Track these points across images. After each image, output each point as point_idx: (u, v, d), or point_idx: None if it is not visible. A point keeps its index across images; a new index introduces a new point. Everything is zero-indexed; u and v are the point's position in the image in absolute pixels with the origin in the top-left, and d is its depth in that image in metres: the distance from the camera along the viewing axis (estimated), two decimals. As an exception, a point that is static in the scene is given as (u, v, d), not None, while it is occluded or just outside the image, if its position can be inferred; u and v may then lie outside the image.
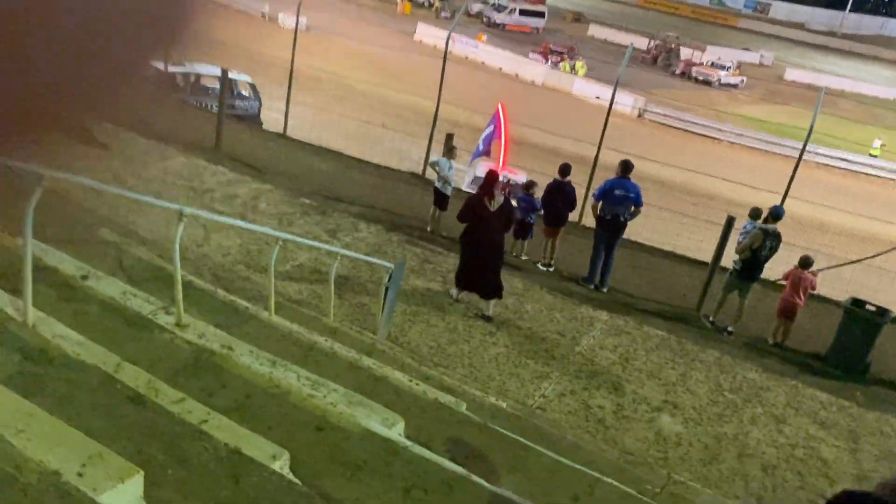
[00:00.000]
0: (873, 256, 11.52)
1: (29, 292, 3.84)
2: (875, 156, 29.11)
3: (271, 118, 16.46)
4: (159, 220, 8.70)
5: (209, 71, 16.97)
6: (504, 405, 5.96)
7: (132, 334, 4.41)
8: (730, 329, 9.60)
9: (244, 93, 17.53)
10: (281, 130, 15.26)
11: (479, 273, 8.45)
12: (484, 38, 38.74)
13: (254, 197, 10.65)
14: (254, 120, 17.05)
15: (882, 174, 27.75)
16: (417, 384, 5.10)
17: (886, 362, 9.19)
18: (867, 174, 27.65)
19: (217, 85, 14.72)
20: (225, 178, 11.17)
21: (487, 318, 8.38)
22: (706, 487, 5.91)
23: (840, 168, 27.19)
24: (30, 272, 3.81)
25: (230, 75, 14.18)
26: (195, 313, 4.99)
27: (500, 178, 14.47)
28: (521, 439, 4.58)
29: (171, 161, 11.39)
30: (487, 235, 8.34)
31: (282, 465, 3.34)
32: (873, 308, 9.00)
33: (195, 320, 4.81)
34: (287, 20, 31.54)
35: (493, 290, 8.44)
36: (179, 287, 4.61)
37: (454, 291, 8.78)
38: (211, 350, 4.38)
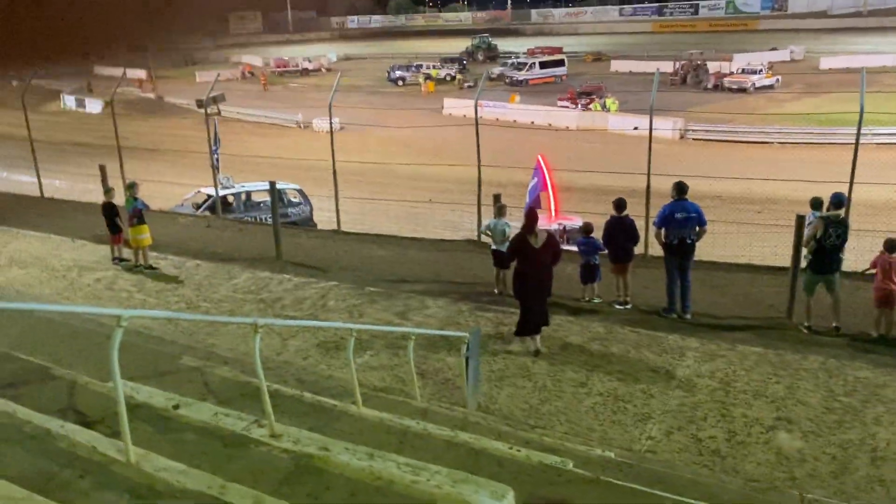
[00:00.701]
0: (962, 225, 10.90)
1: (127, 431, 3.93)
2: None
3: (324, 218, 16.94)
4: (237, 337, 8.95)
5: (258, 186, 17.71)
6: (612, 455, 5.74)
7: (230, 454, 4.45)
8: (835, 325, 9.13)
9: (294, 199, 18.18)
10: (335, 227, 15.63)
11: (540, 310, 8.80)
12: (517, 98, 39.33)
13: (321, 296, 10.83)
14: (307, 223, 17.60)
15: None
16: (519, 450, 4.96)
17: None
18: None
19: (267, 198, 15.28)
20: (291, 284, 11.43)
21: (537, 353, 8.60)
22: (844, 502, 5.51)
23: (901, 143, 26.12)
24: (124, 412, 3.90)
25: (278, 185, 14.71)
26: (287, 421, 5.01)
27: (557, 226, 14.46)
28: (637, 486, 4.38)
29: (238, 279, 11.74)
30: (535, 271, 8.70)
31: (400, 558, 3.25)
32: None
33: (287, 428, 4.83)
34: (321, 124, 32.79)
35: (542, 322, 8.82)
36: (267, 398, 4.65)
37: (517, 344, 8.90)
38: (308, 454, 4.37)
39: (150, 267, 12.16)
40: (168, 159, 25.80)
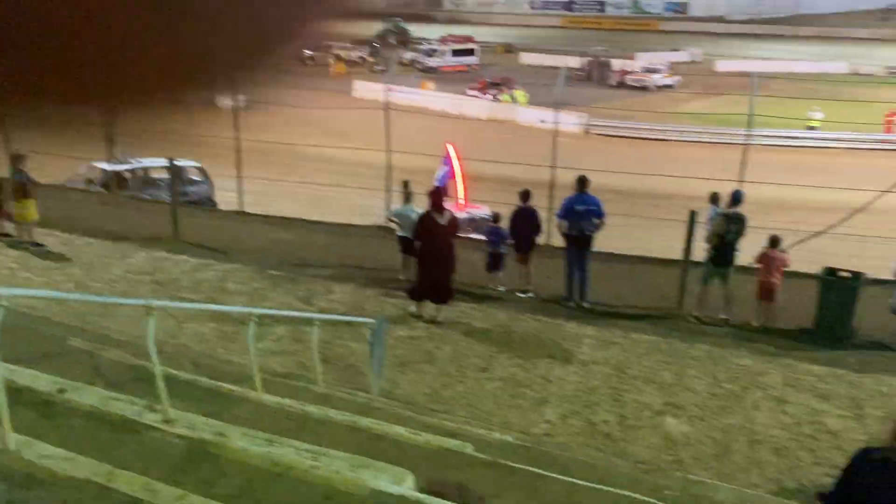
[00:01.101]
0: (837, 224, 11.75)
1: (6, 417, 3.71)
2: (814, 127, 29.86)
3: (226, 198, 16.40)
4: (130, 320, 8.55)
5: (155, 163, 16.95)
6: (510, 438, 5.88)
7: (120, 439, 4.27)
8: (725, 318, 9.68)
9: (194, 177, 17.47)
10: (237, 208, 15.19)
11: (435, 282, 9.30)
12: (430, 86, 39.28)
13: (221, 279, 10.53)
14: (208, 203, 16.97)
15: (824, 144, 28.49)
16: (420, 435, 5.00)
17: (871, 324, 9.29)
18: (812, 147, 28.35)
19: (165, 175, 14.67)
20: (189, 266, 11.04)
21: (438, 323, 9.22)
22: (723, 482, 5.86)
23: (786, 146, 27.83)
24: (3, 396, 3.68)
25: (177, 162, 14.13)
26: (181, 406, 4.85)
27: (465, 214, 14.59)
28: (534, 469, 4.51)
29: (132, 258, 11.24)
30: (438, 247, 9.24)
31: (297, 544, 3.23)
32: (847, 274, 9.14)
33: (182, 413, 4.68)
34: (224, 101, 31.68)
35: (445, 295, 9.36)
36: (161, 382, 4.49)
37: (414, 308, 9.43)
38: (203, 440, 4.26)
39: (37, 244, 11.44)
40: (60, 131, 24.31)
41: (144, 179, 17.07)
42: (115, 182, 16.11)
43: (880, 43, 62.92)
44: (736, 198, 9.77)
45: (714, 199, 10.42)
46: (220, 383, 5.69)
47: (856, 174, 18.08)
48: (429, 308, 9.40)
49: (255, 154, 17.49)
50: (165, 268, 10.90)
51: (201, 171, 17.59)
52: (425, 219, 9.26)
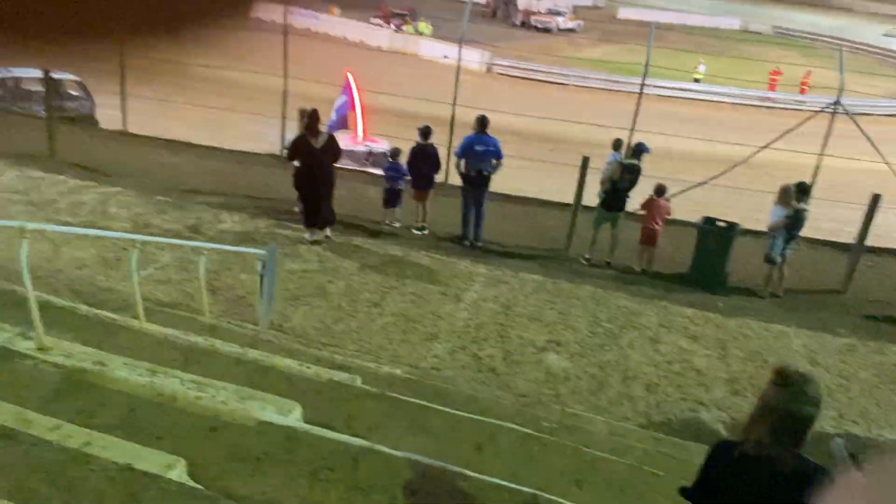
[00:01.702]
0: (717, 176, 12.42)
1: None
2: (698, 80, 31.15)
3: (108, 116, 15.40)
4: (1, 242, 8.03)
5: (30, 73, 15.66)
6: (399, 372, 6.00)
7: (-11, 368, 4.07)
8: (608, 261, 10.12)
9: (73, 92, 16.27)
10: (121, 127, 14.32)
11: (324, 205, 9.46)
12: (336, 10, 37.84)
13: (102, 202, 9.99)
14: (88, 120, 15.90)
15: (713, 98, 29.81)
16: (309, 367, 5.03)
17: (742, 272, 9.98)
18: (701, 100, 29.60)
19: (41, 87, 13.61)
20: (66, 187, 10.40)
21: (328, 238, 9.59)
22: (597, 414, 6.24)
23: (677, 98, 28.92)
24: None
25: (54, 75, 13.12)
26: (58, 333, 4.66)
27: (364, 148, 14.39)
28: (420, 401, 4.65)
29: (3, 176, 10.47)
30: (317, 169, 9.29)
31: (179, 473, 3.22)
32: (724, 224, 9.75)
33: (59, 341, 4.50)
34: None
35: (329, 218, 9.59)
36: (35, 308, 4.28)
37: (307, 235, 9.55)
38: (82, 369, 4.12)
39: None
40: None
41: (16, 91, 15.75)
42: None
43: (771, 3, 65.72)
44: (637, 150, 10.08)
45: (616, 145, 10.74)
46: (99, 311, 5.48)
47: (739, 129, 19.12)
48: (319, 233, 9.63)
49: (143, 71, 16.46)
50: (41, 188, 10.22)
51: (81, 85, 16.39)
52: (300, 142, 9.25)
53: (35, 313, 4.28)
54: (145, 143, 13.76)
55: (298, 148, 9.28)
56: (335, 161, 9.49)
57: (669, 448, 5.42)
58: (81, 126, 14.66)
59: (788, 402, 2.41)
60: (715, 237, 9.66)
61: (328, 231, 9.68)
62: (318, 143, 9.19)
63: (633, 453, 4.77)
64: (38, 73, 13.73)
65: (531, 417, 5.21)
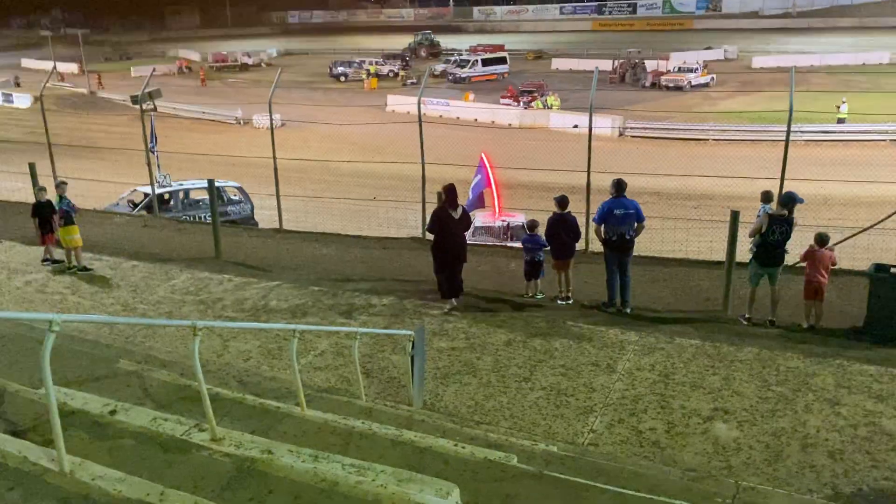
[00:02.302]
0: (885, 219, 11.43)
1: (60, 439, 3.80)
2: (843, 120, 29.18)
3: (266, 216, 16.67)
4: (175, 340, 8.74)
5: (196, 184, 17.33)
6: (555, 449, 5.82)
7: (170, 459, 4.34)
8: (771, 319, 9.46)
9: (234, 197, 17.85)
10: (276, 226, 15.41)
11: (451, 275, 9.94)
12: (471, 96, 39.33)
13: (263, 296, 10.67)
14: (248, 222, 17.31)
15: (862, 137, 27.80)
16: (464, 447, 4.99)
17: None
18: (852, 141, 27.68)
19: (206, 196, 14.97)
20: (231, 284, 11.22)
21: (453, 309, 9.87)
22: (777, 488, 5.71)
23: (825, 141, 27.23)
24: (57, 419, 3.77)
25: (217, 183, 14.44)
26: (228, 424, 4.92)
27: (501, 222, 14.57)
28: (580, 480, 4.46)
29: (177, 279, 11.47)
30: (453, 240, 9.85)
31: (345, 560, 3.24)
32: (897, 269, 8.88)
33: (229, 431, 4.74)
34: (261, 120, 32.25)
35: (459, 288, 10.05)
36: (207, 401, 4.56)
37: (447, 306, 9.91)
38: (251, 458, 4.31)
39: (84, 268, 11.76)
40: (102, 157, 25.01)
41: (186, 201, 17.47)
42: (157, 205, 16.50)
43: (922, 31, 61.29)
44: (787, 200, 9.53)
45: (766, 197, 10.21)
46: (265, 400, 5.75)
47: (901, 166, 17.62)
48: (451, 303, 10.03)
49: (293, 172, 17.76)
50: (209, 287, 11.09)
51: (241, 190, 17.98)
52: (440, 213, 9.80)
53: (207, 406, 4.55)
54: (299, 238, 14.67)
55: (438, 218, 9.82)
56: (467, 229, 10.25)
57: (867, 524, 4.84)
58: (243, 228, 15.93)
59: None
60: (890, 285, 8.79)
61: (455, 302, 10.05)
62: (457, 214, 9.82)
63: (825, 531, 4.30)
64: (203, 184, 15.15)
65: (703, 494, 4.85)
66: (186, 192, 17.55)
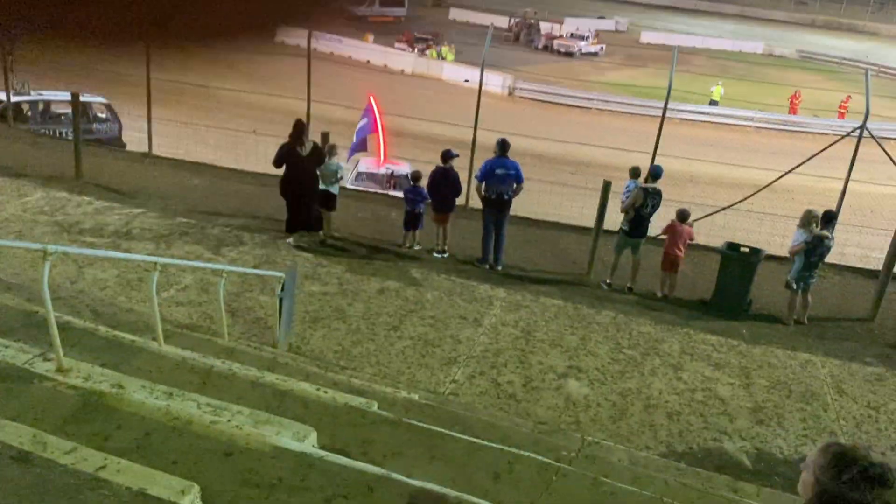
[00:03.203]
0: (741, 201, 12.28)
1: None
2: (715, 102, 30.91)
3: (135, 138, 15.65)
4: (25, 262, 8.13)
5: (58, 96, 15.99)
6: (416, 397, 5.94)
7: (8, 388, 4.07)
8: (630, 286, 10.01)
9: (100, 115, 16.60)
10: (146, 150, 14.52)
11: (307, 210, 10.13)
12: (370, 38, 38.22)
13: (125, 223, 10.11)
14: (115, 142, 16.19)
15: (734, 122, 29.61)
16: (326, 392, 4.99)
17: (766, 298, 9.83)
18: (724, 124, 29.42)
19: (69, 109, 13.87)
20: (91, 208, 10.54)
21: (324, 242, 10.26)
22: (618, 444, 6.13)
23: (701, 122, 28.79)
24: None
25: (83, 98, 13.37)
26: (77, 355, 4.67)
27: (385, 170, 14.45)
28: (437, 428, 4.58)
29: (30, 197, 10.64)
30: (301, 177, 9.91)
31: (193, 499, 3.18)
32: (747, 249, 9.60)
33: (78, 363, 4.50)
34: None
35: (313, 223, 10.27)
36: (55, 329, 4.29)
37: (290, 240, 10.10)
38: (99, 391, 4.11)
39: (-79, 176, 10.67)
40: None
41: (46, 114, 16.10)
42: (13, 114, 15.11)
43: (795, 27, 65.56)
44: (654, 173, 10.02)
45: (635, 173, 10.66)
46: (119, 333, 5.49)
47: (764, 153, 18.96)
48: (298, 237, 10.20)
49: (170, 94, 16.73)
50: (66, 209, 10.37)
51: (108, 108, 16.73)
52: (287, 151, 9.83)
53: (54, 334, 4.29)
54: (169, 165, 13.93)
55: (285, 157, 9.84)
56: (318, 166, 10.13)
57: (692, 479, 5.30)
58: (108, 148, 14.91)
59: (849, 491, 2.17)
60: (738, 263, 9.51)
61: (321, 234, 10.38)
62: (305, 150, 9.85)
63: (655, 484, 4.66)
64: (66, 96, 14.00)
65: (550, 446, 5.12)
66: (47, 103, 16.15)
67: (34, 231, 9.44)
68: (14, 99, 15.28)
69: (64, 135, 15.18)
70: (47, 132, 15.44)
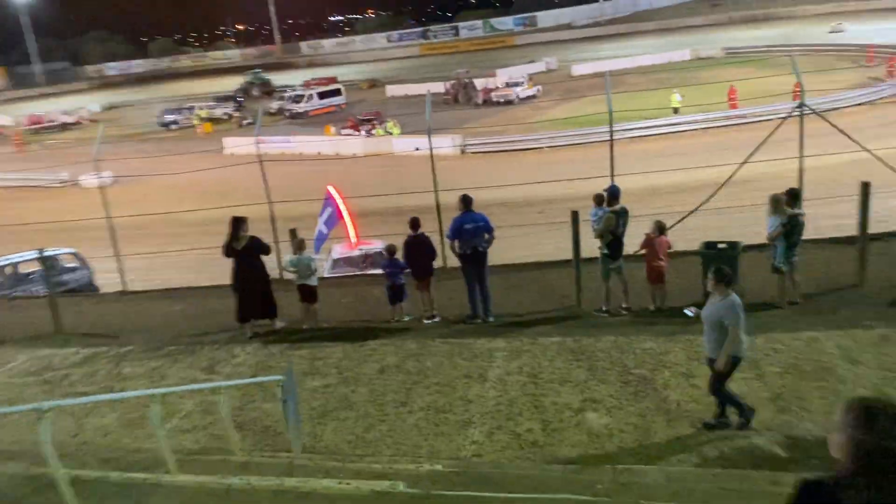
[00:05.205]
0: (706, 201, 12.50)
1: None
2: (677, 110, 31.78)
3: (108, 279, 15.62)
4: (22, 428, 7.97)
5: (24, 257, 15.98)
6: (440, 467, 5.86)
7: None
8: (626, 306, 10.07)
9: (69, 265, 16.59)
10: (120, 289, 14.48)
11: (253, 299, 10.45)
12: (332, 129, 38.78)
13: (115, 364, 10.00)
14: (88, 288, 16.14)
15: (681, 129, 30.31)
16: (348, 483, 4.92)
17: (754, 287, 9.88)
18: (672, 133, 30.08)
19: (38, 268, 13.85)
20: (78, 357, 10.43)
21: (278, 332, 10.59)
22: (649, 464, 6.05)
23: (649, 136, 29.42)
24: None
25: (49, 252, 13.38)
26: (92, 507, 4.58)
27: (359, 252, 14.51)
28: (468, 493, 4.52)
29: (14, 361, 10.50)
30: (243, 269, 10.35)
31: None
32: (724, 245, 9.73)
33: (94, 515, 4.41)
34: (90, 180, 30.28)
35: (269, 310, 10.66)
36: (63, 488, 4.22)
37: (246, 330, 10.49)
38: (122, 538, 4.02)
39: None
40: None
41: (15, 276, 16.05)
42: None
43: (715, 28, 68.01)
44: (613, 193, 10.21)
45: (599, 200, 10.84)
46: (131, 474, 5.39)
47: (717, 151, 19.35)
48: (249, 328, 10.56)
49: (132, 230, 16.81)
50: (52, 364, 10.24)
51: (77, 256, 16.73)
52: (227, 246, 10.35)
53: (64, 493, 4.21)
54: (147, 298, 13.90)
55: (225, 250, 10.39)
56: (264, 253, 10.59)
57: (731, 482, 5.24)
58: (83, 296, 14.85)
59: (883, 440, 2.14)
60: (719, 259, 9.60)
61: (277, 323, 10.71)
62: (240, 244, 10.28)
63: (695, 496, 4.61)
64: (32, 255, 13.99)
65: (584, 483, 5.07)
66: (14, 266, 16.12)
67: (24, 394, 9.30)
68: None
69: (36, 292, 15.10)
70: (20, 293, 15.36)
